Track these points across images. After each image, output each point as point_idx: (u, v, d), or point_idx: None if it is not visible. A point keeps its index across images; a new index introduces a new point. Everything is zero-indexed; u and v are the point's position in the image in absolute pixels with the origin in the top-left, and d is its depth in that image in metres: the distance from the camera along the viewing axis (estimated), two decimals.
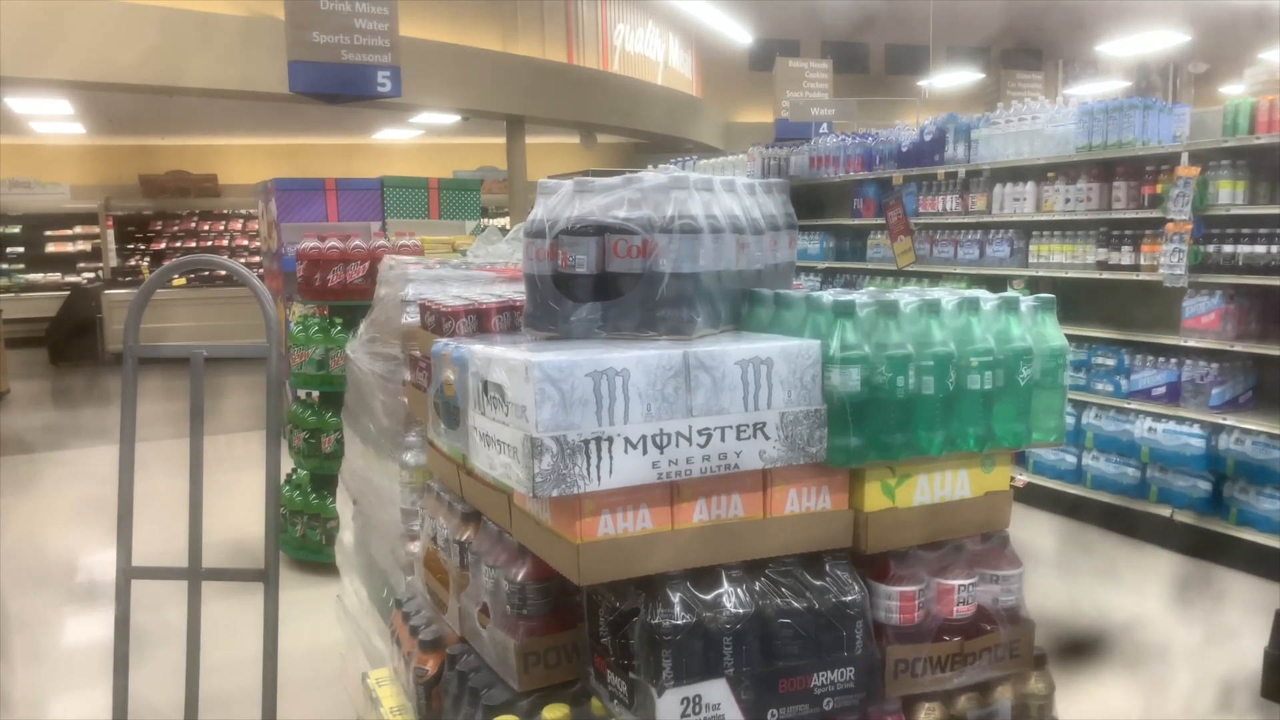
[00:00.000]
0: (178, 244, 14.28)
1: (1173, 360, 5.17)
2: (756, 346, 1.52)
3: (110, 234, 14.41)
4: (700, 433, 1.47)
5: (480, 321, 1.93)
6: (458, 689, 1.77)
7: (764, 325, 1.74)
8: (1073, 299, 5.78)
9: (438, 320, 1.99)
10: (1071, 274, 5.62)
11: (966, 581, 1.67)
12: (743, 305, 1.79)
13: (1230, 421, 4.86)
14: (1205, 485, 5.01)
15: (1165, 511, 5.17)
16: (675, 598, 1.46)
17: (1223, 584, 4.69)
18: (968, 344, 1.64)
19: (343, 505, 3.32)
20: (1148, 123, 5.18)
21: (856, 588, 1.58)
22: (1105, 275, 5.49)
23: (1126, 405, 5.37)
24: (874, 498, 1.62)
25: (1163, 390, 5.20)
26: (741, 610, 1.49)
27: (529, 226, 1.68)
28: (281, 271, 7.08)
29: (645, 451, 1.43)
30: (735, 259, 1.72)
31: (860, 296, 1.63)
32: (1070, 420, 5.67)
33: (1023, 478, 5.87)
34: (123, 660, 2.53)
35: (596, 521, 1.45)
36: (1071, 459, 5.70)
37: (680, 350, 1.46)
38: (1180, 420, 5.09)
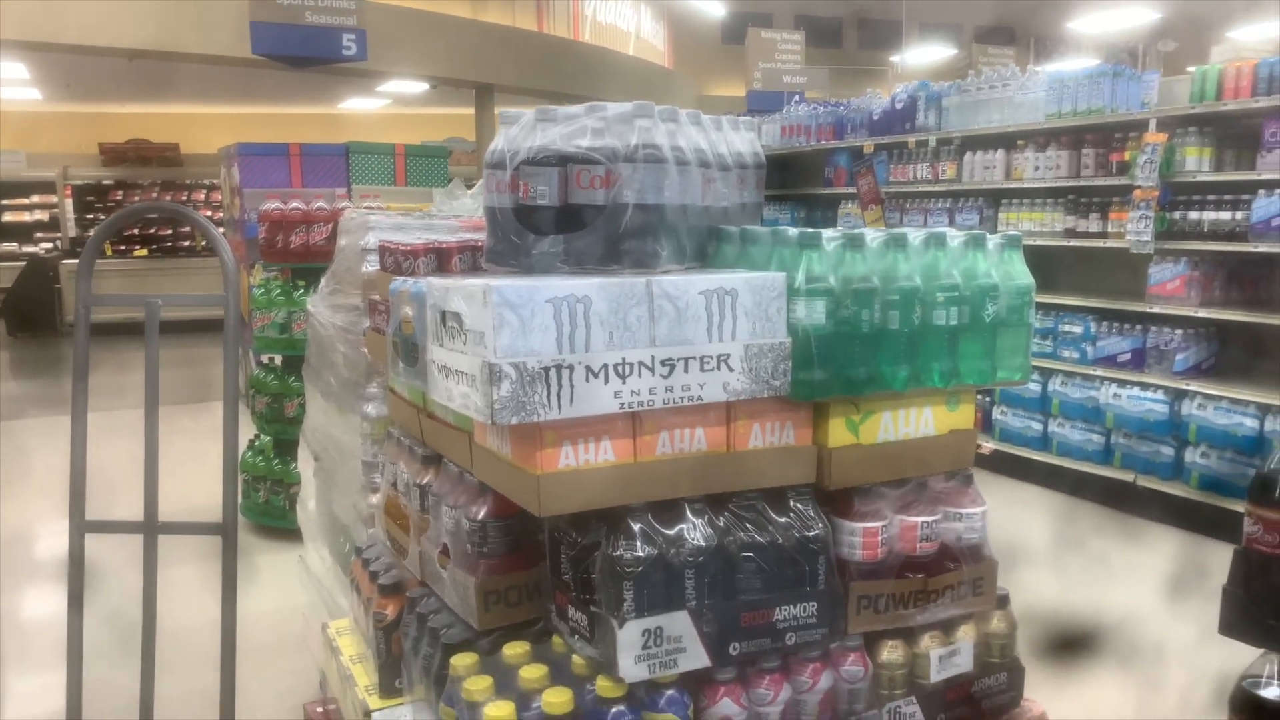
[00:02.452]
0: None
1: (1138, 327, 5.22)
2: (721, 277, 1.49)
3: (68, 203, 14.07)
4: (663, 363, 1.44)
5: (441, 261, 1.89)
6: (417, 631, 1.74)
7: (730, 263, 1.71)
8: (1040, 267, 5.75)
9: (397, 261, 1.95)
10: (1040, 242, 5.65)
11: (930, 519, 1.66)
12: (709, 244, 1.76)
13: (1193, 387, 4.93)
14: (1168, 451, 5.08)
15: (1129, 477, 5.24)
16: (637, 529, 1.43)
17: (1183, 547, 4.77)
18: (934, 279, 1.62)
19: (304, 463, 3.27)
20: (1117, 90, 5.20)
21: (820, 523, 1.57)
22: (1073, 243, 5.53)
23: (1092, 372, 5.42)
24: (838, 434, 1.61)
25: (1128, 357, 5.26)
26: (704, 543, 1.47)
27: (489, 158, 1.64)
28: (244, 239, 6.95)
29: (607, 380, 1.40)
30: (701, 194, 1.69)
31: (827, 231, 1.60)
32: (1036, 388, 5.72)
33: (989, 445, 5.93)
34: (77, 615, 2.48)
35: (557, 453, 1.42)
36: (1038, 426, 5.76)
37: (643, 278, 1.43)
38: (1145, 386, 5.15)
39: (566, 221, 1.58)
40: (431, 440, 1.88)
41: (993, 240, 1.73)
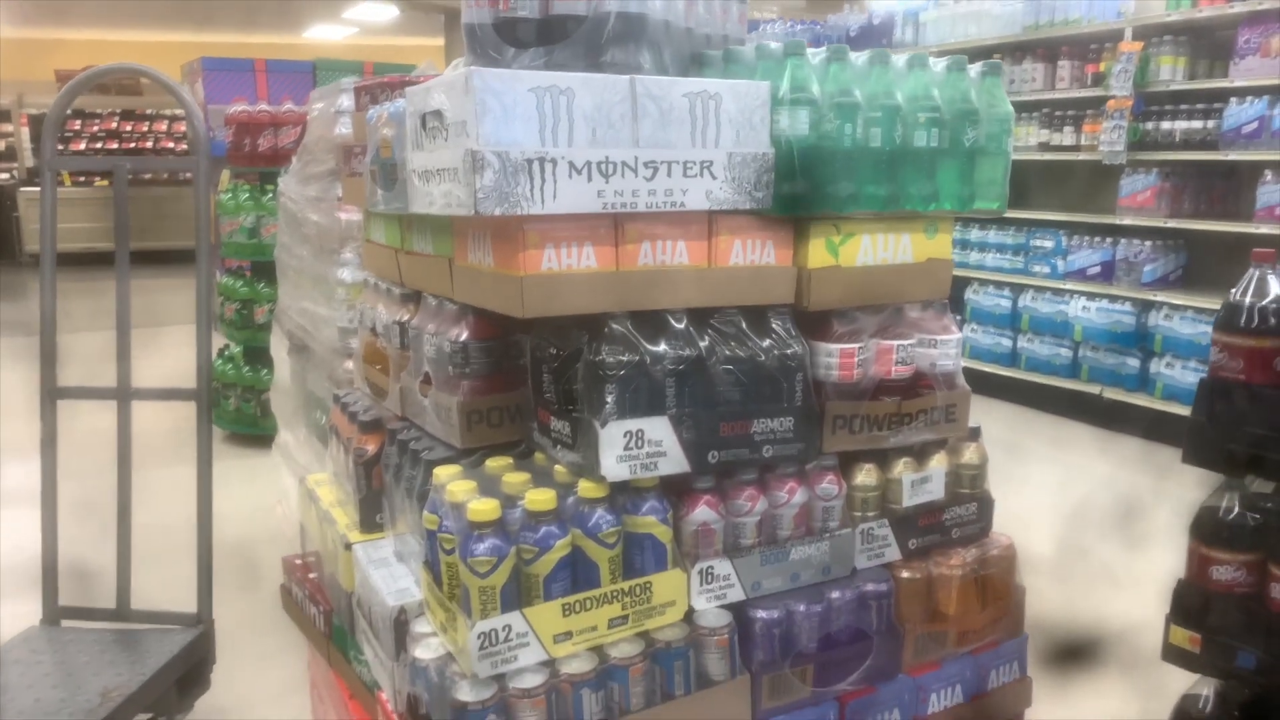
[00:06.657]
0: (98, 144, 13.60)
1: (1108, 240, 5.28)
2: (705, 81, 1.48)
3: (25, 132, 13.66)
4: (646, 165, 1.43)
5: None
6: (399, 457, 1.75)
7: None
8: (1013, 183, 5.82)
9: (374, 96, 1.92)
10: (1013, 156, 5.65)
11: (906, 343, 1.69)
12: (690, 69, 1.74)
13: (1161, 298, 5.00)
14: (1134, 362, 5.17)
15: (1095, 389, 5.34)
16: (618, 332, 1.44)
17: (1146, 453, 4.88)
18: (915, 99, 1.62)
19: (277, 348, 3.24)
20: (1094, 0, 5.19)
21: (798, 342, 1.58)
22: (1047, 157, 5.55)
23: (1062, 286, 5.48)
24: (818, 255, 1.62)
25: (1097, 270, 5.32)
26: (684, 353, 1.48)
27: None
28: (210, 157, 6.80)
29: (590, 178, 1.39)
30: (684, 15, 1.67)
31: (812, 47, 1.59)
32: (1007, 304, 5.78)
33: None
34: (50, 483, 2.46)
35: (540, 255, 1.42)
36: (1007, 342, 5.83)
37: (627, 76, 1.42)
38: (1113, 299, 5.22)
39: (548, 34, 1.55)
40: (410, 278, 1.86)
41: (974, 68, 1.73)
